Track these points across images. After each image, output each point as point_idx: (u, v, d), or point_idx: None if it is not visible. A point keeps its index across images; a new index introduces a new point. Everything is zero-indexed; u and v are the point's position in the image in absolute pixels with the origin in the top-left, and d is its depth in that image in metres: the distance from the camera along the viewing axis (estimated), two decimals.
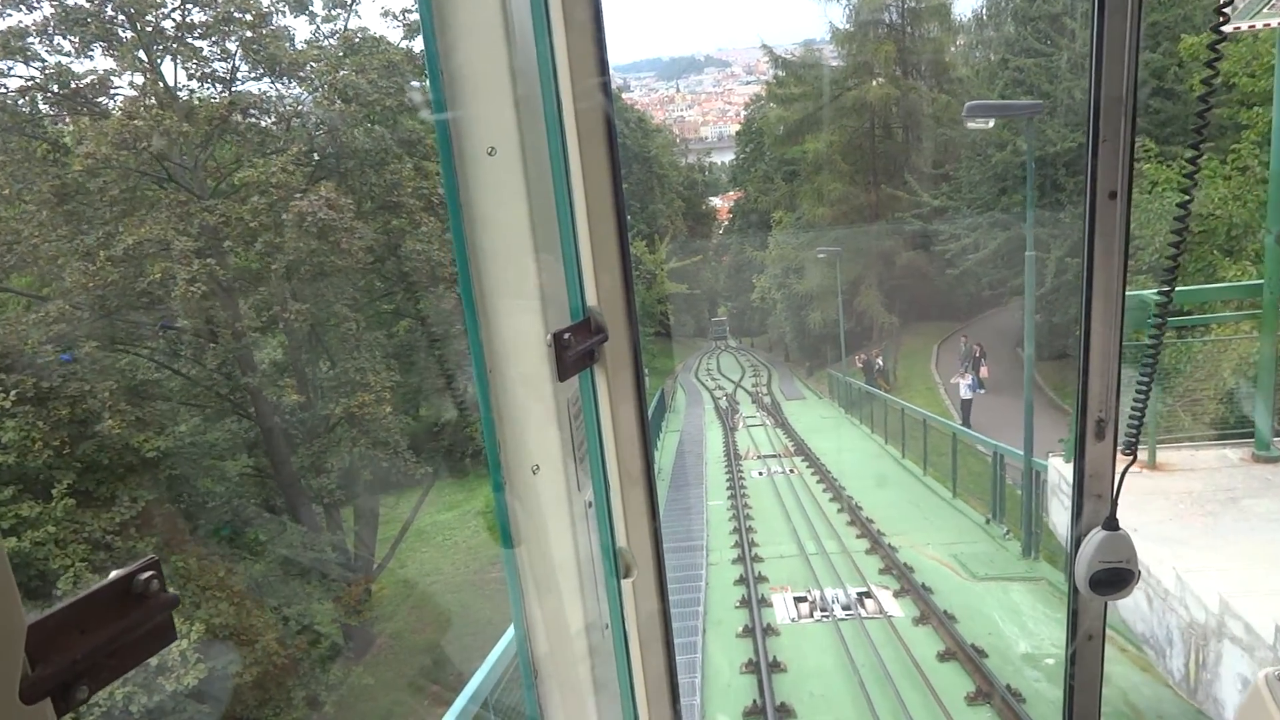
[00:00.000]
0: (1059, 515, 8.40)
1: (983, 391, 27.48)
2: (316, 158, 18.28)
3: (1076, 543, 1.85)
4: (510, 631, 4.62)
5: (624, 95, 76.99)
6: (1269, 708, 1.67)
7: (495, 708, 5.19)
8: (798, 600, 11.45)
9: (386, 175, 16.98)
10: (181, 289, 14.17)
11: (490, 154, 1.25)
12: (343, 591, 17.01)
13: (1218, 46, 1.70)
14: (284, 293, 15.84)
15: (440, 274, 17.11)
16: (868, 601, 11.15)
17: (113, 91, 16.78)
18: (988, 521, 14.25)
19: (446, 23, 1.20)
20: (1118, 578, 1.82)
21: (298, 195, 14.97)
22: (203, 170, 16.47)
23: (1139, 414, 1.83)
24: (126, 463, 14.31)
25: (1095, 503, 1.84)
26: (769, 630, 10.34)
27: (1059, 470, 8.37)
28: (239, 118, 17.23)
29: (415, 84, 18.72)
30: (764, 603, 11.42)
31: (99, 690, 0.75)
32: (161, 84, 16.27)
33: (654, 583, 1.66)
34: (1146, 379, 1.89)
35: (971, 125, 21.47)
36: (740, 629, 10.51)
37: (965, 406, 26.72)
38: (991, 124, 18.06)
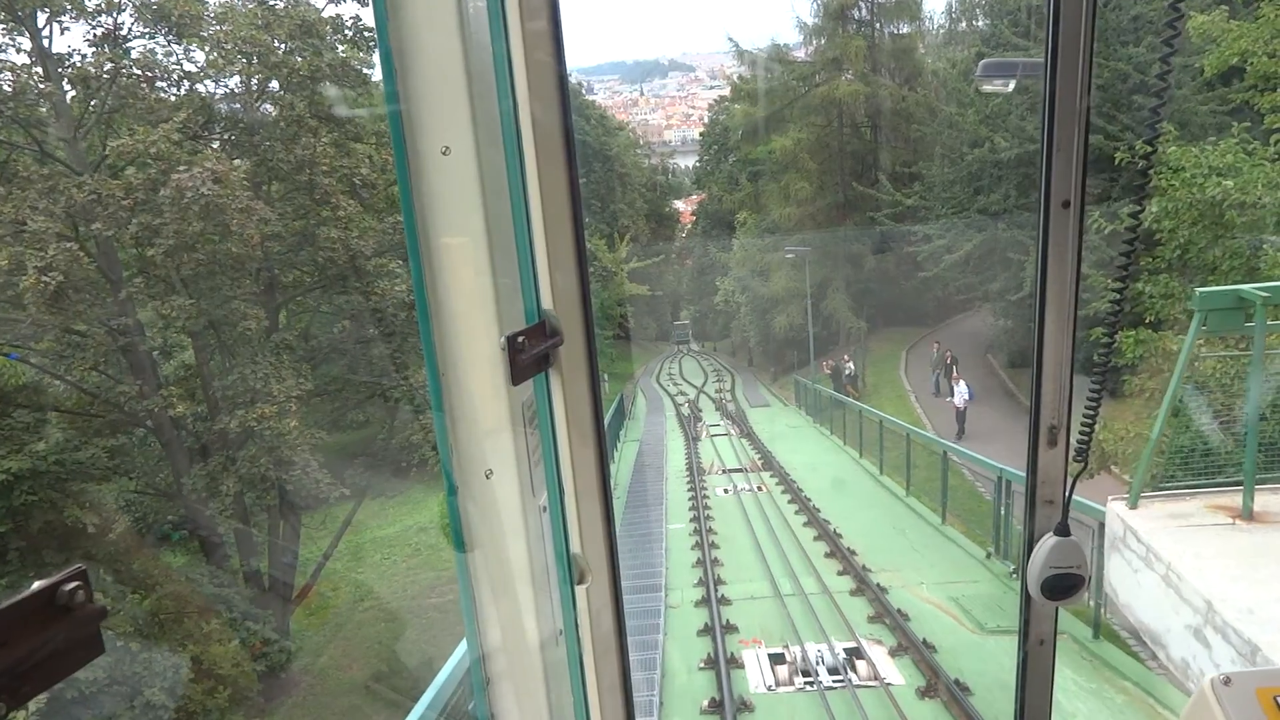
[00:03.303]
0: (1122, 575, 6.47)
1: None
2: (229, 136, 16.10)
3: (1028, 548, 1.87)
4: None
5: (587, 97, 75.33)
6: (1214, 713, 1.56)
7: (452, 715, 5.11)
8: (774, 660, 9.49)
9: (297, 151, 14.72)
10: (31, 280, 11.85)
11: (444, 153, 1.24)
12: (247, 633, 14.73)
13: (1172, 41, 1.71)
14: (168, 285, 13.52)
15: (362, 265, 14.92)
16: (859, 663, 9.22)
17: None
18: (988, 556, 12.42)
19: (401, 19, 1.18)
20: (1068, 583, 1.83)
21: (181, 168, 12.68)
22: (83, 141, 14.10)
23: (1090, 421, 1.85)
24: None
25: (1047, 509, 1.86)
26: (742, 707, 8.37)
27: (1123, 519, 6.43)
28: (143, 85, 14.95)
29: (341, 50, 16.57)
30: (734, 662, 9.46)
31: (18, 707, 0.72)
32: (26, 38, 13.87)
33: (609, 590, 1.64)
34: (1098, 386, 1.85)
35: (987, 89, 19.70)
36: (706, 703, 8.53)
37: (960, 416, 25.16)
38: (1011, 87, 16.28)
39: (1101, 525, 8.81)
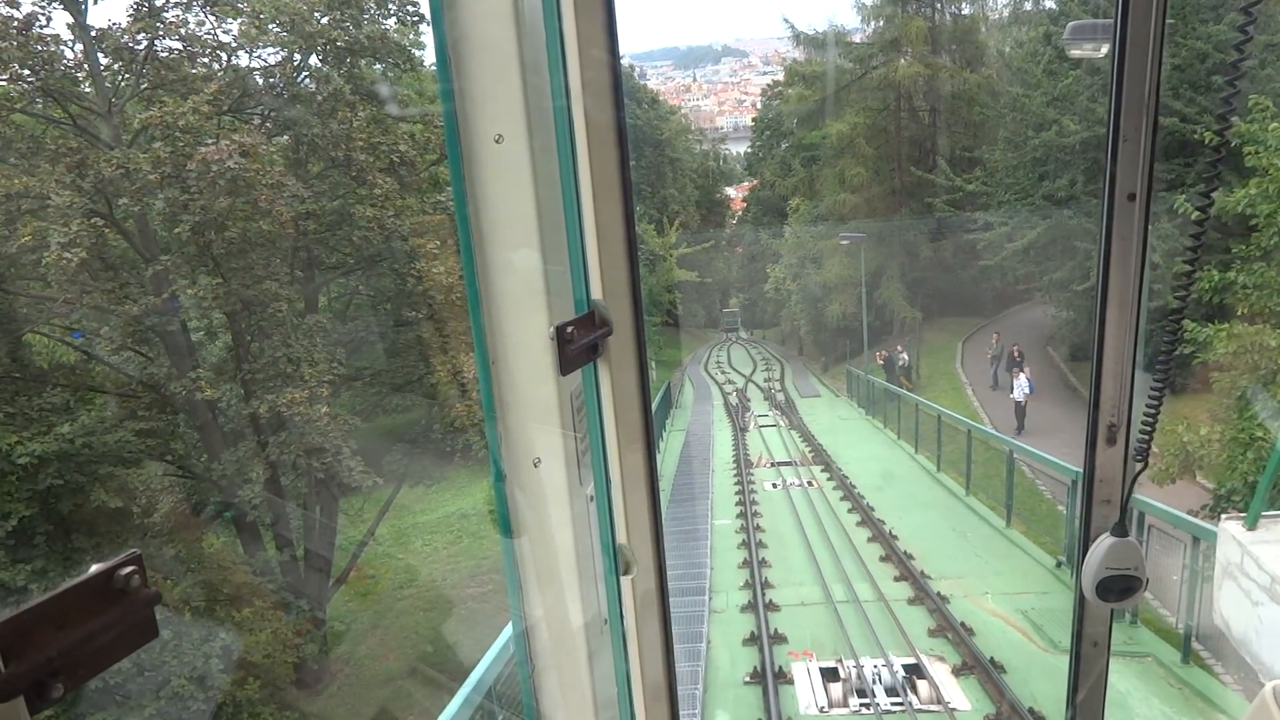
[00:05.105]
0: (1238, 607, 5.62)
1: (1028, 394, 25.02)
2: (269, 112, 15.69)
3: (1084, 548, 1.83)
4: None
5: (640, 82, 74.43)
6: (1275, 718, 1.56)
7: (498, 698, 5.14)
8: (826, 675, 8.78)
9: (333, 126, 14.20)
10: (53, 255, 11.52)
11: (498, 141, 1.24)
12: (280, 622, 14.35)
13: (1247, 28, 1.65)
14: (198, 263, 13.14)
15: (397, 247, 14.40)
16: (919, 683, 8.48)
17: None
18: (1059, 565, 11.54)
19: (458, 8, 1.19)
20: (1124, 585, 1.80)
21: (209, 141, 12.24)
22: (116, 117, 13.74)
23: (1151, 419, 1.79)
24: None
25: (1104, 508, 1.83)
26: None
27: (1238, 539, 5.58)
28: (185, 60, 14.58)
29: (389, 25, 16.08)
30: (782, 677, 8.77)
31: (75, 687, 0.73)
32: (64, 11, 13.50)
33: (654, 581, 1.64)
34: (1160, 384, 1.80)
35: (1076, 54, 18.59)
36: None
37: (1020, 411, 24.08)
38: (1103, 51, 15.16)
39: (1195, 539, 7.95)
